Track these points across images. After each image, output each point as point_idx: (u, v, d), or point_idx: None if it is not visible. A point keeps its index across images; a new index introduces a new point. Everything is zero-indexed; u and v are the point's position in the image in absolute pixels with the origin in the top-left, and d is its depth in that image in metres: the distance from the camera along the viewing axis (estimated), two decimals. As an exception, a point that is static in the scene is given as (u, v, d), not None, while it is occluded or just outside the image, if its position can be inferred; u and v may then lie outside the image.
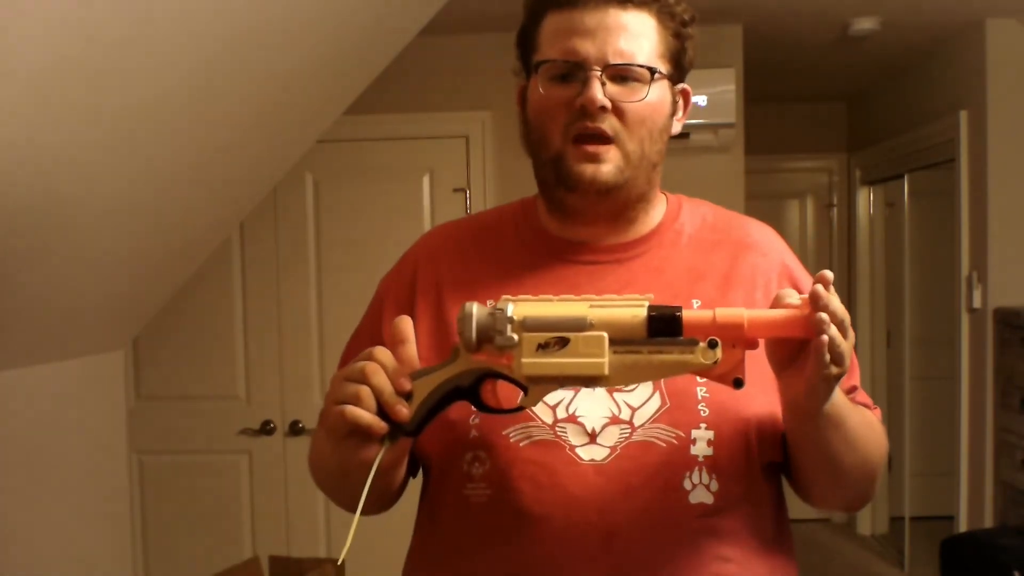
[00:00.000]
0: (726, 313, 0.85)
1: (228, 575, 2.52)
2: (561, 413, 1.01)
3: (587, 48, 1.02)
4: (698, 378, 0.97)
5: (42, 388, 2.44)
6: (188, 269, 2.98)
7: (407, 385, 0.89)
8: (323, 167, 3.22)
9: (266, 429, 3.22)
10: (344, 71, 2.65)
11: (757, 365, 0.99)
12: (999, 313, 3.33)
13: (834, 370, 0.85)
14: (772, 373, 0.97)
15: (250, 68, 2.09)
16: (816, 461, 1.04)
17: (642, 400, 1.01)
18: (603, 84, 1.01)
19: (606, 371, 0.85)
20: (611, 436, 0.99)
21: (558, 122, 1.04)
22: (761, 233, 1.17)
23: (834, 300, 0.84)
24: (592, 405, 1.01)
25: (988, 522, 3.35)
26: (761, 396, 1.01)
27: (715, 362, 0.85)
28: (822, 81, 4.51)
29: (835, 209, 5.00)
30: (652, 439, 0.99)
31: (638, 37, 1.03)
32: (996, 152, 3.35)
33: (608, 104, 1.01)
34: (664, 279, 1.08)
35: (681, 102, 1.12)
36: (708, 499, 1.00)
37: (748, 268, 1.11)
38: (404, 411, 0.88)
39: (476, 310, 0.87)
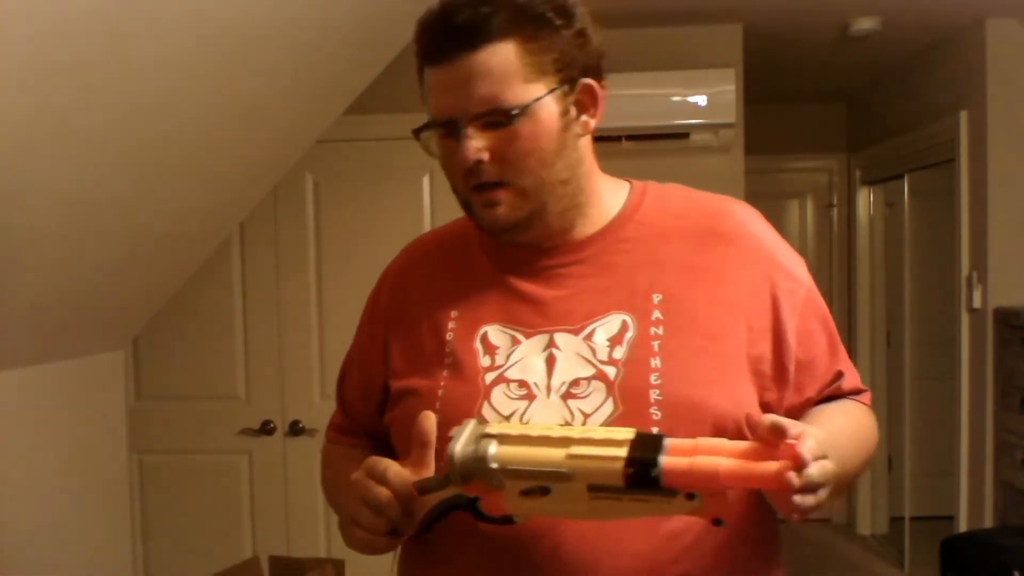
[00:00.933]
0: (703, 464, 0.81)
1: (228, 575, 2.52)
2: (515, 422, 1.01)
3: (450, 103, 1.00)
4: (652, 378, 0.99)
5: (42, 388, 2.44)
6: (188, 269, 2.98)
7: (412, 510, 0.94)
8: (323, 167, 3.22)
9: (266, 429, 3.22)
10: (344, 71, 2.65)
11: (713, 358, 1.01)
12: (999, 313, 3.32)
13: (811, 501, 0.83)
14: (731, 365, 1.00)
15: (250, 68, 2.09)
16: None
17: (595, 406, 1.00)
18: (475, 134, 1.00)
19: (586, 515, 0.88)
20: None
21: (457, 174, 1.04)
22: (735, 219, 1.11)
23: (813, 469, 0.80)
24: (546, 413, 1.01)
25: (988, 522, 3.35)
26: (719, 393, 1.00)
27: (695, 509, 0.85)
28: (822, 81, 4.51)
29: (835, 209, 5.00)
30: None
31: (497, 75, 0.98)
32: (996, 152, 3.35)
33: (483, 156, 1.00)
34: (624, 274, 1.07)
35: (589, 99, 1.05)
36: None
37: (716, 259, 1.07)
38: (410, 531, 0.97)
39: (459, 451, 0.88)
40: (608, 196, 1.12)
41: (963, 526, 3.50)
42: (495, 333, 1.07)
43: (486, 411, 1.02)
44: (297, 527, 3.25)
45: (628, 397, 0.99)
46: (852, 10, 3.29)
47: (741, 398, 1.01)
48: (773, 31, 3.50)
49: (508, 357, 1.04)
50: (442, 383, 1.06)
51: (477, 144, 1.00)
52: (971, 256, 3.50)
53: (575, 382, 1.01)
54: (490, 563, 1.00)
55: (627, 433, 0.86)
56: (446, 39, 0.99)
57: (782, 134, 4.94)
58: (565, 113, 1.02)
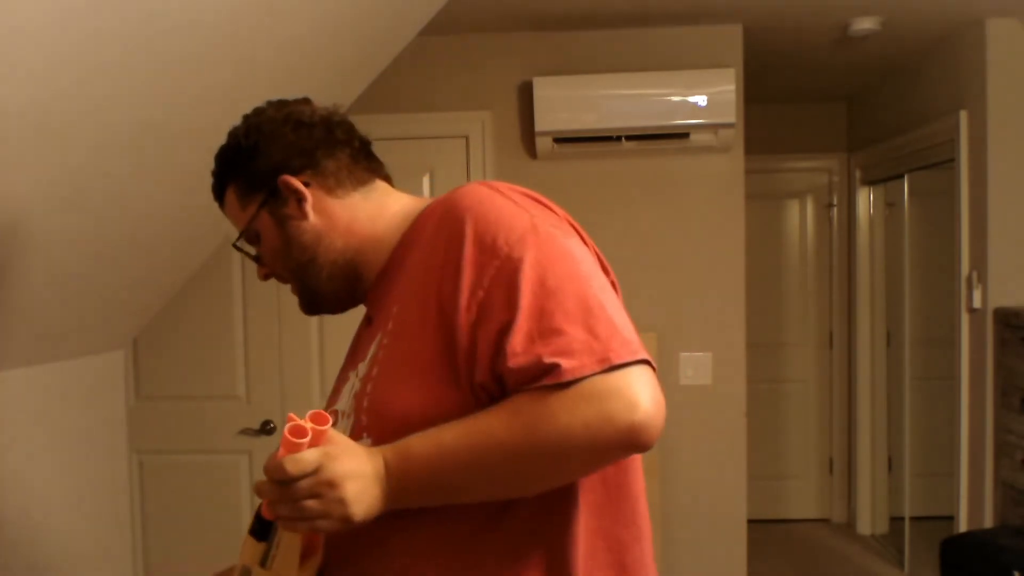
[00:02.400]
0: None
1: (228, 575, 2.52)
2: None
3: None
4: (369, 388, 1.10)
5: (42, 388, 2.44)
6: (188, 269, 2.98)
7: None
8: (323, 167, 3.22)
9: (266, 429, 3.22)
10: (344, 71, 2.65)
11: (408, 358, 1.05)
12: (999, 313, 3.33)
13: (322, 525, 0.96)
14: (419, 361, 1.03)
15: (250, 69, 2.09)
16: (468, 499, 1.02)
17: (345, 427, 1.12)
18: (250, 257, 1.28)
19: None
20: None
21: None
22: (448, 208, 1.09)
23: (262, 489, 0.97)
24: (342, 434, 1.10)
25: (988, 522, 3.35)
26: (406, 393, 1.03)
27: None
28: (822, 81, 4.51)
29: (835, 209, 5.00)
30: None
31: (233, 214, 1.25)
32: (996, 152, 3.35)
33: (265, 271, 1.27)
34: (391, 298, 1.15)
35: (290, 189, 1.20)
36: None
37: (432, 254, 1.07)
38: None
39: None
40: (390, 231, 1.20)
41: (963, 526, 3.50)
42: (343, 376, 1.24)
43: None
44: (297, 527, 3.25)
45: (355, 409, 1.11)
46: (852, 10, 3.29)
47: (437, 392, 1.00)
48: (773, 31, 3.50)
49: (340, 395, 1.21)
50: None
51: (257, 263, 1.27)
52: (971, 256, 3.50)
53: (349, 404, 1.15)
54: None
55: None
56: (214, 195, 1.28)
57: (782, 134, 4.94)
58: (277, 215, 1.21)
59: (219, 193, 1.26)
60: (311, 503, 0.94)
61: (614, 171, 3.41)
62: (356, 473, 0.95)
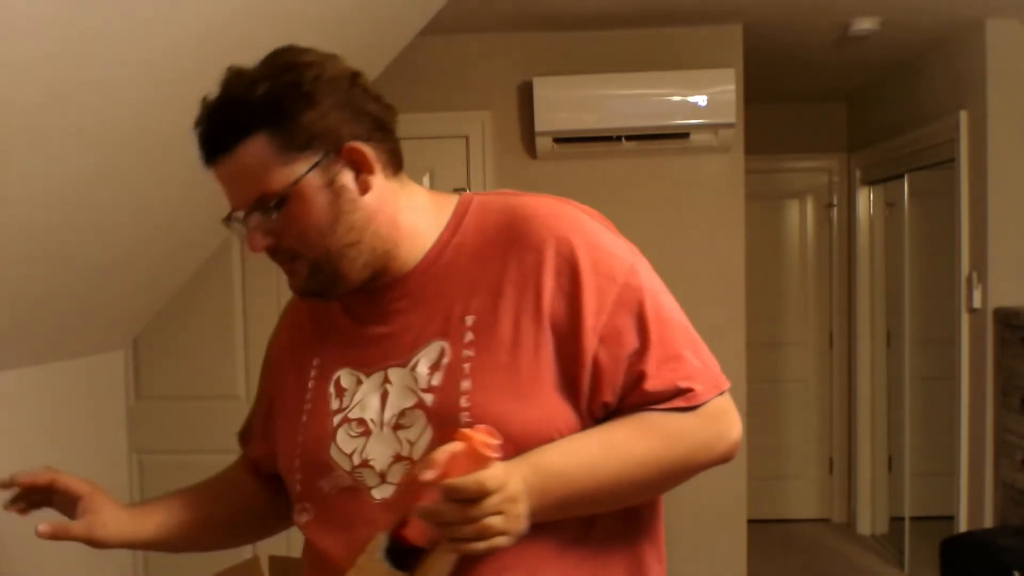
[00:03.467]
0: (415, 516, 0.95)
1: (228, 575, 2.52)
2: (356, 460, 1.08)
3: (230, 199, 1.07)
4: (462, 401, 1.03)
5: (42, 388, 2.44)
6: (188, 269, 2.98)
7: None
8: (323, 167, 3.22)
9: (266, 429, 3.22)
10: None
11: (517, 373, 1.03)
12: (999, 313, 3.33)
13: (499, 543, 0.93)
14: (538, 377, 1.02)
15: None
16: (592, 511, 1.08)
17: (419, 434, 1.05)
18: (259, 222, 1.05)
19: None
20: (397, 473, 1.06)
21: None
22: (540, 224, 1.09)
23: (445, 512, 0.91)
24: (380, 447, 1.07)
25: (988, 522, 3.35)
26: (522, 408, 1.02)
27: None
28: (822, 81, 4.51)
29: (835, 209, 5.00)
30: None
31: (254, 169, 1.03)
32: (996, 152, 3.35)
33: (268, 242, 1.07)
34: (442, 301, 1.09)
35: (360, 159, 1.06)
36: None
37: (519, 268, 1.07)
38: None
39: None
40: (427, 227, 1.13)
41: (963, 526, 3.50)
42: (345, 376, 1.13)
43: (332, 451, 1.09)
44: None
45: (441, 421, 1.03)
46: (852, 10, 3.29)
47: (550, 408, 1.03)
48: (773, 31, 3.50)
49: (352, 398, 1.11)
50: (301, 429, 1.14)
51: (261, 232, 1.06)
52: (971, 256, 3.50)
53: (402, 413, 1.06)
54: None
55: (375, 547, 1.00)
56: (206, 144, 1.05)
57: (782, 134, 4.94)
58: (331, 183, 1.04)
59: (234, 137, 1.03)
60: (496, 520, 0.92)
61: (614, 171, 3.41)
62: (523, 489, 0.96)
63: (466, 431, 0.94)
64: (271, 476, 1.29)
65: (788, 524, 4.92)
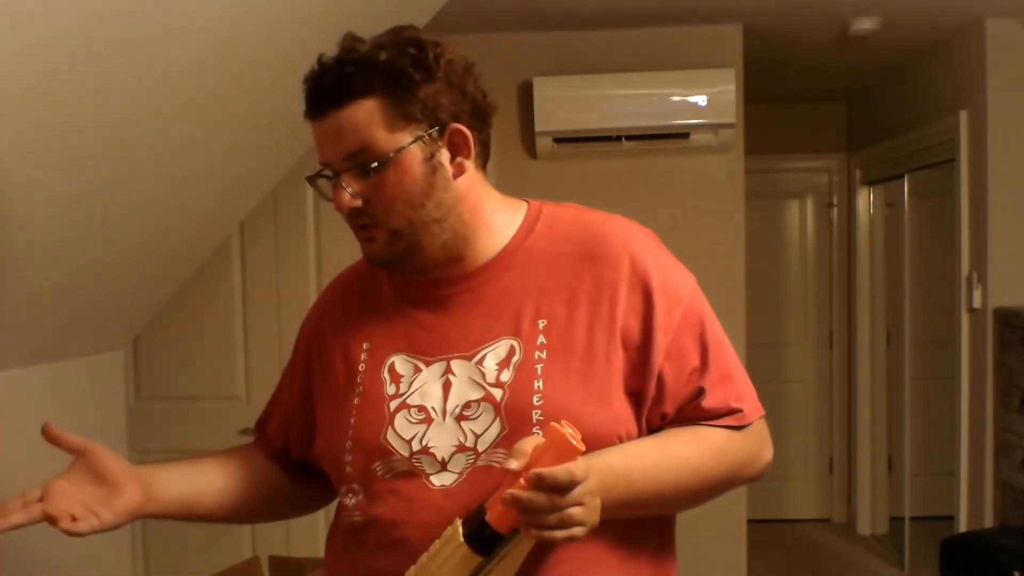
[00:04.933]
0: (498, 500, 0.97)
1: (228, 575, 2.52)
2: (416, 446, 1.10)
3: (326, 155, 1.10)
4: (534, 399, 1.07)
5: (42, 388, 2.44)
6: (188, 269, 2.98)
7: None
8: (323, 167, 3.22)
9: (266, 429, 3.22)
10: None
11: (590, 378, 1.08)
12: (999, 313, 3.33)
13: (577, 533, 0.97)
14: (608, 384, 1.07)
15: (250, 69, 2.09)
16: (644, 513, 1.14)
17: (485, 427, 1.08)
18: (350, 182, 1.09)
19: None
20: (459, 463, 1.08)
21: (343, 214, 1.13)
22: (615, 242, 1.17)
23: (535, 499, 0.94)
24: (442, 436, 1.09)
25: (988, 522, 3.35)
26: (594, 410, 1.08)
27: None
28: (822, 81, 4.51)
29: (835, 209, 5.00)
30: (493, 463, 1.07)
31: (361, 128, 1.07)
32: (996, 152, 3.35)
33: (356, 203, 1.09)
34: (512, 300, 1.14)
35: (461, 141, 1.12)
36: None
37: (594, 281, 1.14)
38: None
39: None
40: (502, 224, 1.19)
41: (963, 526, 3.50)
42: (400, 362, 1.15)
43: (390, 436, 1.11)
44: (297, 527, 3.24)
45: (513, 417, 1.07)
46: (852, 10, 3.29)
47: (617, 414, 1.09)
48: (773, 31, 3.50)
49: (411, 384, 1.13)
50: (353, 412, 1.15)
51: (350, 191, 1.09)
52: (971, 256, 3.50)
53: (467, 404, 1.09)
54: None
55: (454, 531, 1.01)
56: (317, 97, 1.09)
57: (782, 134, 4.94)
58: (431, 158, 1.09)
59: (349, 93, 1.07)
60: (577, 511, 0.96)
61: (614, 171, 3.41)
62: (599, 485, 1.00)
63: (555, 425, 0.96)
64: (291, 463, 1.33)
65: (788, 524, 4.92)
